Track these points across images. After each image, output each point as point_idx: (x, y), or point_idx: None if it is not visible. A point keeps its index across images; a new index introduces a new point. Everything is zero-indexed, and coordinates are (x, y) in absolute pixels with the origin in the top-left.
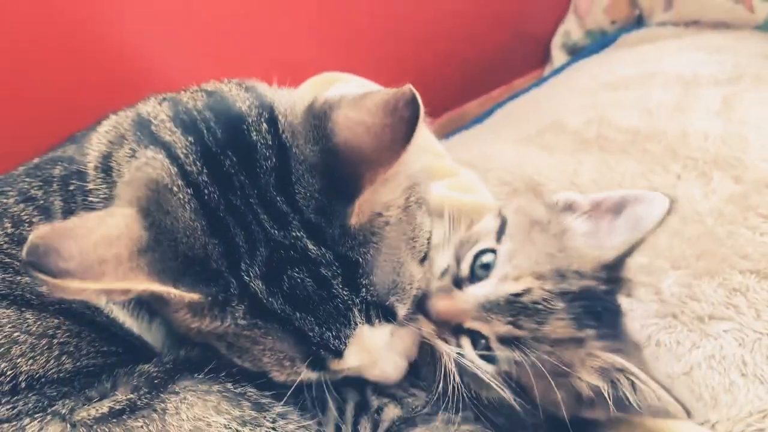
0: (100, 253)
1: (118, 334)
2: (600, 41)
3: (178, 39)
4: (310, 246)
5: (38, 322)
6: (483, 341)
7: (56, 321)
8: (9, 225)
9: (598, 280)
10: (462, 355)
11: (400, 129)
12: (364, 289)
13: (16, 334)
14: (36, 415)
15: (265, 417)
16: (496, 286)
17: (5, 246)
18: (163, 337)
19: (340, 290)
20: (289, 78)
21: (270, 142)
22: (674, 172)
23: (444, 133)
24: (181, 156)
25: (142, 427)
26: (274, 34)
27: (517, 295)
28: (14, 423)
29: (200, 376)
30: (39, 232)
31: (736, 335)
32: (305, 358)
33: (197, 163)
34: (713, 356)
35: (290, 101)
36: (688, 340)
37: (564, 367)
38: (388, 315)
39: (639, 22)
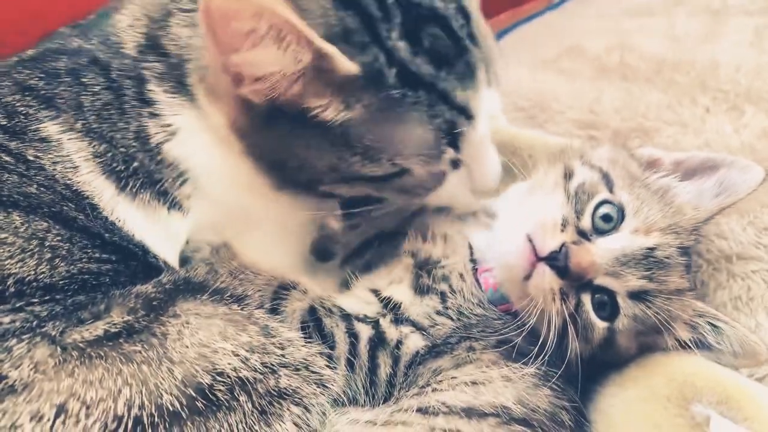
0: None
1: (113, 240)
2: None
3: None
4: (437, 3)
5: (26, 225)
6: (603, 296)
7: (45, 224)
8: (2, 117)
9: (694, 236)
10: (578, 315)
11: None
12: (482, 44)
13: (3, 235)
14: (23, 336)
15: (273, 343)
16: (631, 240)
17: None
18: (170, 238)
19: (469, 43)
20: None
21: None
22: (703, 104)
23: None
24: None
25: (140, 351)
26: None
27: (652, 249)
28: None
29: (204, 297)
30: None
31: (764, 276)
32: (449, 129)
33: None
34: (740, 297)
35: None
36: (713, 280)
37: (670, 320)
38: (495, 80)
39: None
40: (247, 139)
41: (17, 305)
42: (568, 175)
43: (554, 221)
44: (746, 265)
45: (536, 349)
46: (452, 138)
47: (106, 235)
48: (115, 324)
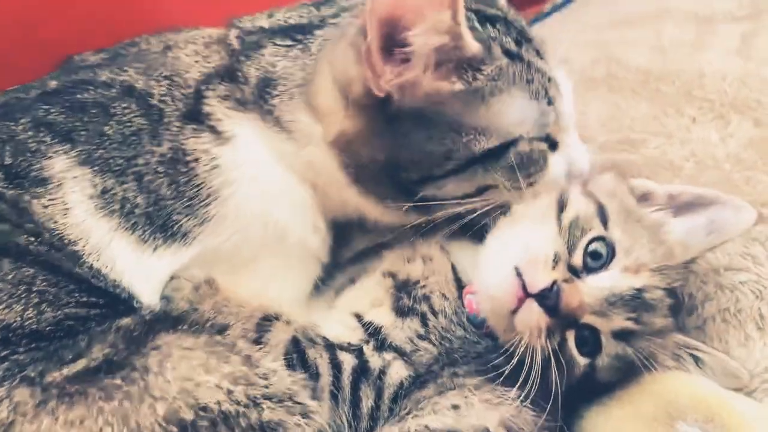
0: None
1: (99, 286)
2: None
3: None
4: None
5: (14, 272)
6: (585, 333)
7: (32, 270)
8: (8, 155)
9: (681, 277)
10: (560, 351)
11: None
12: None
13: None
14: (4, 383)
15: (256, 374)
16: (620, 279)
17: None
18: (157, 277)
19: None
20: None
21: None
22: (689, 114)
23: None
24: None
25: (121, 387)
26: None
27: (640, 290)
28: None
29: (184, 328)
30: None
31: (753, 287)
32: (543, 93)
33: None
34: (728, 309)
35: None
36: (701, 293)
37: (651, 357)
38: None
39: None
40: (355, 149)
41: (2, 354)
42: (561, 206)
43: (546, 257)
44: (734, 276)
45: (519, 382)
46: (547, 100)
47: (92, 280)
48: (95, 359)
